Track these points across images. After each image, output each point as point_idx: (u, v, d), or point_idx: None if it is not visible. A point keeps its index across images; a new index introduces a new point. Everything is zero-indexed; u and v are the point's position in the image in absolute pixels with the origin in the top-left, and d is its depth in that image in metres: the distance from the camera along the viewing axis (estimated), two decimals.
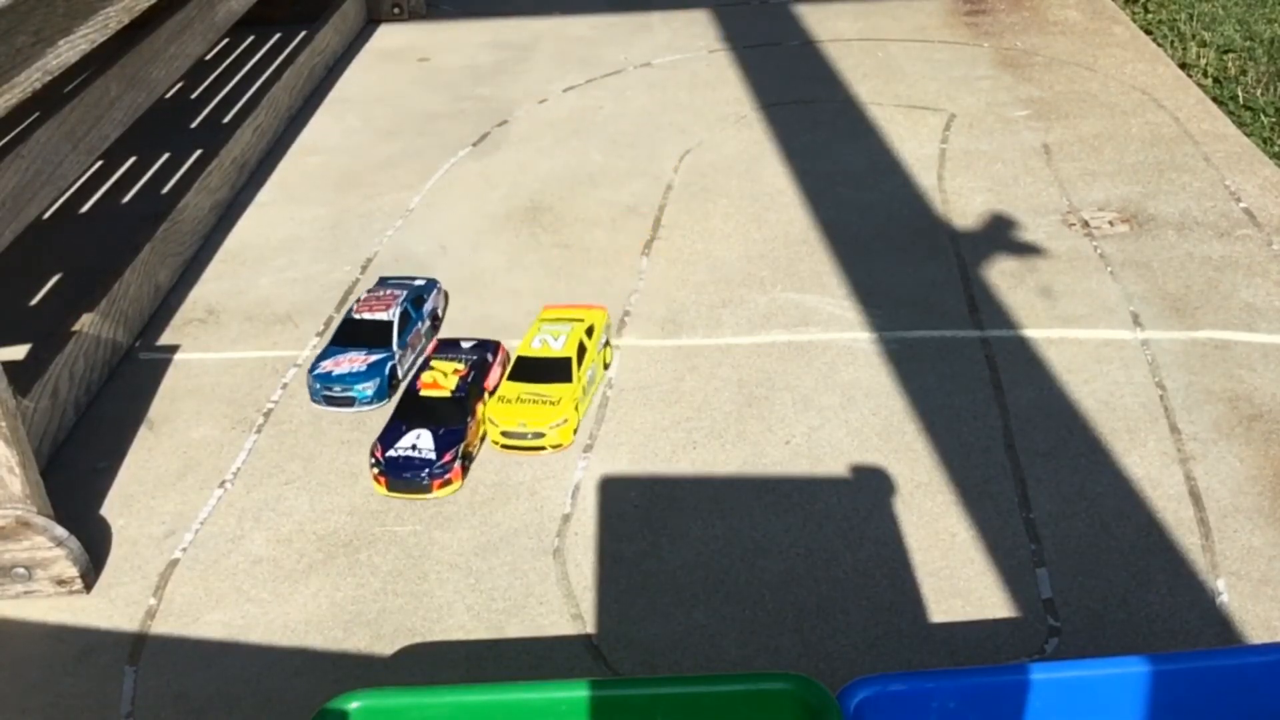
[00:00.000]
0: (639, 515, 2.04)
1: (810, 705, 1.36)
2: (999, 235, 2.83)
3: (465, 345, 2.36)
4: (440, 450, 2.11)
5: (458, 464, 2.11)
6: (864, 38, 4.09)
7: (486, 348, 2.36)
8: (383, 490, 2.11)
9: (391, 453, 2.12)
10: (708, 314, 2.59)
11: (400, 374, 2.40)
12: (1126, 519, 1.97)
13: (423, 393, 2.21)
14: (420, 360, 2.36)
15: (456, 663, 1.77)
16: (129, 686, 1.77)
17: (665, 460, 2.16)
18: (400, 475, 2.09)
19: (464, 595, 1.90)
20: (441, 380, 2.22)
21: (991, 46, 3.95)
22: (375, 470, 2.12)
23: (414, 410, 2.19)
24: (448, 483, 2.11)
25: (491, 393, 2.27)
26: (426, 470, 2.09)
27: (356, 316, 2.44)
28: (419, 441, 2.13)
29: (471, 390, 2.22)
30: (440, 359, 2.30)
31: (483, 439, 2.23)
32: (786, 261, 2.77)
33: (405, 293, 2.50)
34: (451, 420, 2.17)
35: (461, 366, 2.26)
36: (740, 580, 1.90)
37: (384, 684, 1.74)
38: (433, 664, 1.77)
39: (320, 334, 2.60)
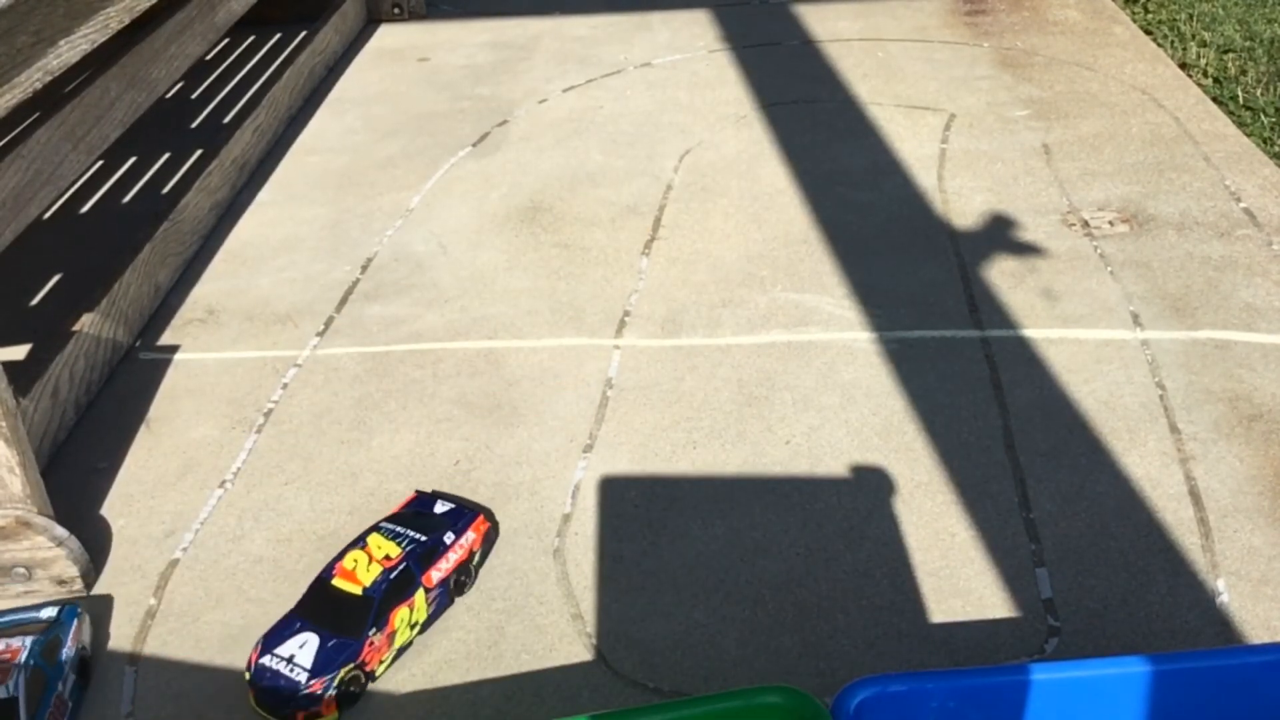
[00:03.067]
0: (639, 515, 2.04)
1: (802, 716, 1.36)
2: (999, 235, 2.83)
3: (436, 509, 1.87)
4: (314, 672, 1.63)
5: (330, 693, 1.63)
6: (864, 38, 4.09)
7: (454, 522, 1.85)
8: (252, 703, 1.68)
9: (265, 659, 1.67)
10: (708, 314, 2.59)
11: None
12: (1126, 519, 1.97)
13: (334, 581, 1.73)
14: (368, 529, 1.85)
15: (456, 663, 1.77)
16: (129, 686, 1.77)
17: (665, 460, 2.16)
18: (263, 695, 1.65)
19: (464, 595, 1.89)
20: (362, 569, 1.72)
21: (991, 46, 3.95)
22: (247, 676, 1.68)
23: (317, 604, 1.72)
24: (315, 715, 1.63)
25: (440, 588, 1.78)
26: (291, 697, 1.62)
27: None
28: (300, 651, 1.65)
29: (393, 590, 1.71)
30: (384, 532, 1.81)
31: (402, 652, 1.75)
32: (786, 261, 2.77)
33: (31, 643, 1.65)
34: (348, 628, 1.67)
35: (395, 552, 1.75)
36: (740, 580, 1.90)
37: (383, 685, 1.74)
38: (433, 664, 1.77)
39: (320, 334, 2.60)
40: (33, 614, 1.74)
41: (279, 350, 2.56)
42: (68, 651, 1.70)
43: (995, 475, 2.09)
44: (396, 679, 1.75)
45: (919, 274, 2.69)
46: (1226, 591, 1.82)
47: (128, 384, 2.48)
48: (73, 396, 2.33)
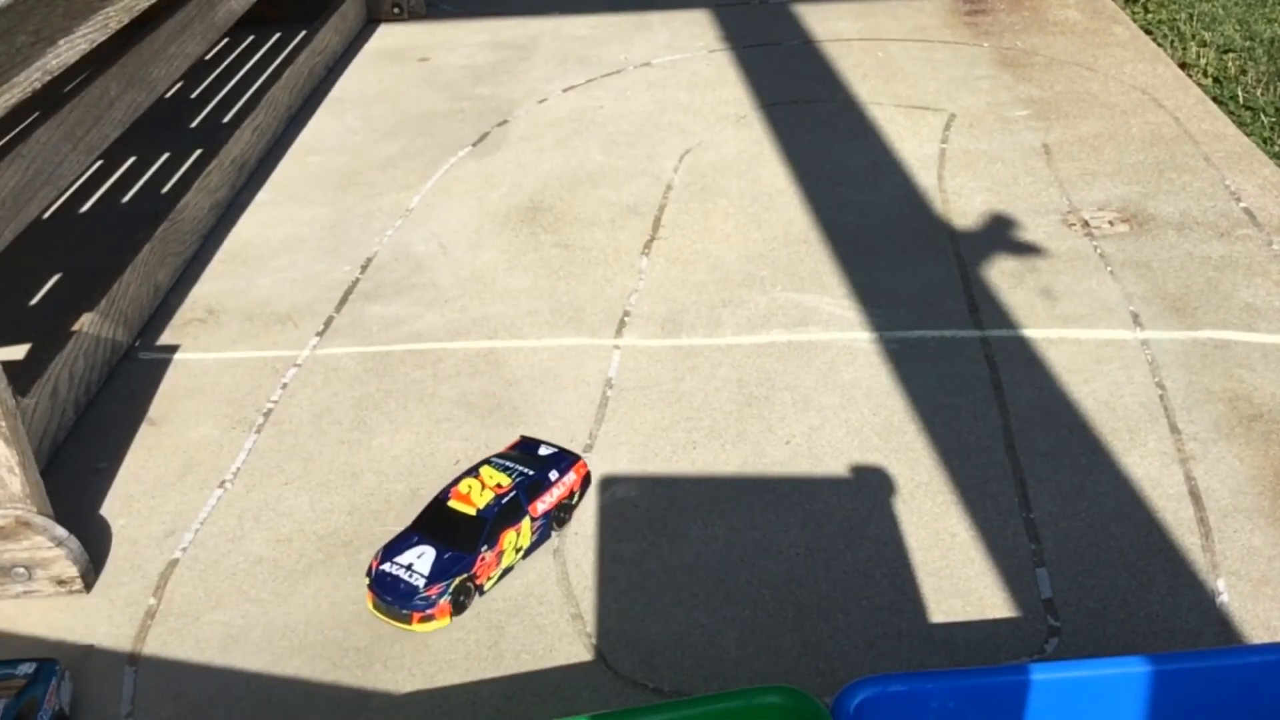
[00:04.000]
0: (639, 515, 2.04)
1: (802, 716, 1.36)
2: (999, 235, 2.83)
3: (540, 452, 2.04)
4: (431, 579, 1.82)
5: (445, 599, 1.81)
6: (864, 38, 4.09)
7: (558, 463, 2.01)
8: (370, 607, 1.86)
9: (385, 566, 1.85)
10: (708, 314, 2.59)
11: None
12: (1126, 519, 1.97)
13: (450, 503, 1.91)
14: (479, 462, 2.03)
15: (456, 662, 1.77)
16: (129, 686, 1.77)
17: (665, 460, 2.16)
18: (383, 597, 1.83)
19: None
20: (475, 493, 1.91)
21: (991, 46, 3.95)
22: (367, 582, 1.87)
23: (433, 522, 1.91)
24: (429, 618, 1.81)
25: (542, 519, 1.96)
26: (409, 598, 1.81)
27: None
28: (418, 561, 1.84)
29: (504, 514, 1.89)
30: (495, 465, 1.99)
31: (506, 572, 1.93)
32: (786, 261, 2.77)
33: (3, 707, 1.61)
34: (463, 544, 1.86)
35: (506, 481, 1.93)
36: (740, 580, 1.90)
37: (382, 684, 1.74)
38: (433, 664, 1.77)
39: (320, 334, 2.60)
40: (8, 670, 1.67)
41: (279, 350, 2.56)
42: (43, 715, 1.62)
43: (995, 475, 2.08)
44: (396, 679, 1.75)
45: (919, 274, 2.69)
46: (1226, 591, 1.82)
47: (128, 384, 2.48)
48: (73, 396, 2.33)
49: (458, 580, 1.83)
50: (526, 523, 1.93)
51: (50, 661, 1.70)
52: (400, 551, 1.87)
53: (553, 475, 1.99)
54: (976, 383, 2.32)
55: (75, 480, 2.20)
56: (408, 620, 1.81)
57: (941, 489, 2.06)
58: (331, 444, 2.26)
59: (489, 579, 1.89)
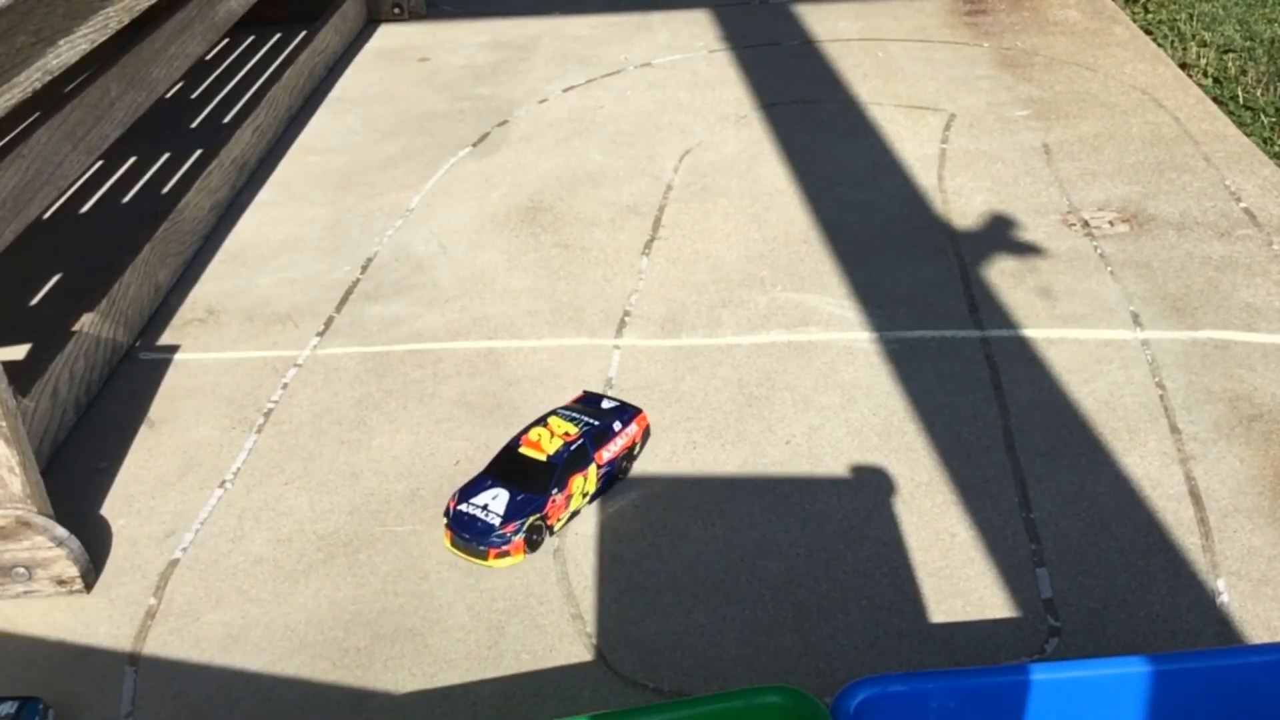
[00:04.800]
0: (639, 515, 2.04)
1: (802, 716, 1.36)
2: (999, 235, 2.83)
3: (603, 405, 2.14)
4: (506, 518, 1.93)
5: (519, 537, 1.92)
6: (864, 38, 4.09)
7: (620, 415, 2.11)
8: (448, 544, 1.97)
9: (462, 507, 1.97)
10: (708, 314, 2.59)
11: None
12: (1126, 519, 1.97)
13: (521, 449, 2.02)
14: (547, 413, 2.13)
15: (456, 662, 1.77)
16: (129, 686, 1.77)
17: (665, 460, 2.16)
18: (461, 534, 1.94)
19: (464, 595, 1.90)
20: (545, 441, 2.02)
21: (991, 46, 3.95)
22: (445, 521, 1.98)
23: (505, 466, 2.02)
24: (504, 554, 1.92)
25: (607, 467, 2.06)
26: (486, 535, 1.92)
27: None
28: (493, 502, 1.96)
29: (572, 460, 2.00)
30: (562, 415, 2.09)
31: (573, 516, 2.03)
32: (786, 261, 2.77)
33: None
34: (534, 487, 1.97)
35: (574, 430, 2.04)
36: (740, 580, 1.90)
37: (382, 684, 1.74)
38: (433, 664, 1.77)
39: (320, 334, 2.60)
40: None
41: (279, 350, 2.56)
42: None
43: (995, 475, 2.09)
44: (396, 679, 1.75)
45: (919, 274, 2.69)
46: (1226, 591, 1.82)
47: (128, 384, 2.48)
48: (73, 396, 2.33)
49: (531, 519, 1.93)
50: (593, 469, 2.03)
51: (34, 700, 1.66)
52: (476, 493, 1.98)
53: (616, 426, 2.09)
54: (976, 383, 2.32)
55: (75, 480, 2.20)
56: (484, 556, 1.92)
57: (941, 489, 2.06)
58: (331, 444, 2.26)
59: (559, 520, 1.99)
